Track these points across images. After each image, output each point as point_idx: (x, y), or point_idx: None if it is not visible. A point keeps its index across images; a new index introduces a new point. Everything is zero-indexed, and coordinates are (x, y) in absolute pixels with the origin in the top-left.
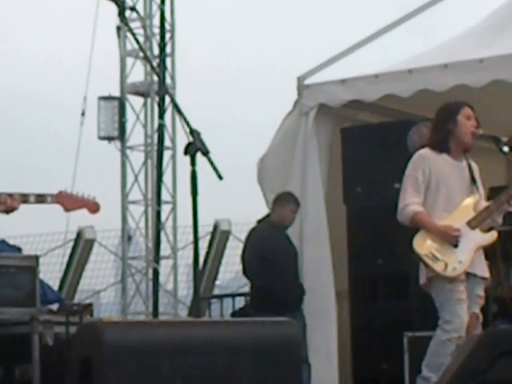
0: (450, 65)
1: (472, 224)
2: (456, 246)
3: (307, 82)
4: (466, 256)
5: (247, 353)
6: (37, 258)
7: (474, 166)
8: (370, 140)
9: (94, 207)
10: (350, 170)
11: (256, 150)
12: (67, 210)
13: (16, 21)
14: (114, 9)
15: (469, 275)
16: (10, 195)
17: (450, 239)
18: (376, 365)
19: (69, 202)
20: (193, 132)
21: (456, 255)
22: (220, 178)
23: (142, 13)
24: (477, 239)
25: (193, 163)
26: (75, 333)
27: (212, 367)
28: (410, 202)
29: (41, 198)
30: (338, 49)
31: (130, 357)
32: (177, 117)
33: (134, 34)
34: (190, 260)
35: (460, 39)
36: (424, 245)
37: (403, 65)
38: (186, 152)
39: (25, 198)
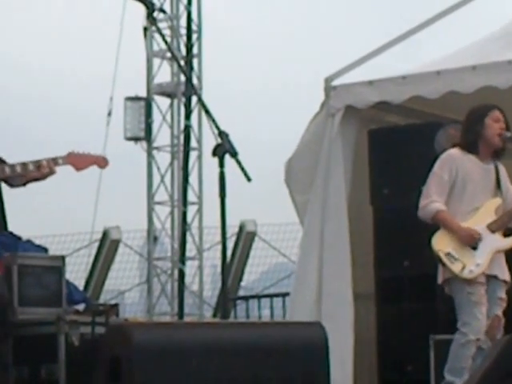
0: (477, 66)
1: (492, 227)
2: (475, 248)
3: (334, 83)
4: (484, 259)
5: (274, 354)
6: (63, 258)
7: (502, 169)
8: (397, 142)
9: (103, 162)
10: (377, 172)
11: (283, 151)
12: (78, 169)
13: (41, 22)
14: (140, 10)
15: (489, 278)
16: (24, 164)
17: (470, 241)
18: (401, 367)
19: (79, 161)
20: (221, 133)
21: (474, 257)
22: (248, 179)
23: (168, 14)
24: (496, 243)
25: (221, 165)
26: (104, 333)
27: (239, 368)
28: (433, 200)
29: (54, 161)
30: (365, 50)
31: (158, 357)
32: (203, 117)
33: (162, 35)
34: (215, 261)
35: (488, 41)
36: (443, 244)
37: (431, 66)
38: (214, 153)
39: (39, 163)
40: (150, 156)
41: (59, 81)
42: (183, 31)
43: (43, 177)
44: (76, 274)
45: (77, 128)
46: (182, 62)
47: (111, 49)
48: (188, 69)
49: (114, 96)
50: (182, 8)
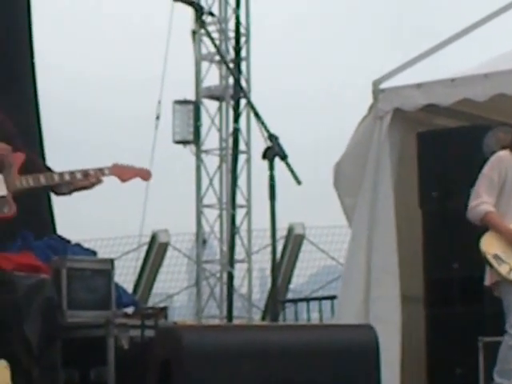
0: None
1: None
2: None
3: (383, 86)
4: None
5: (324, 357)
6: (112, 261)
7: None
8: (445, 144)
9: (146, 175)
10: (426, 175)
11: (332, 154)
12: (123, 180)
13: (88, 27)
14: (188, 13)
15: None
16: (72, 172)
17: None
18: (450, 369)
19: (123, 172)
20: (271, 136)
21: None
22: (298, 182)
23: (217, 17)
24: None
25: (271, 168)
26: (154, 336)
27: (289, 371)
28: (483, 201)
29: (101, 172)
30: (414, 52)
31: (208, 360)
32: (251, 120)
33: (212, 38)
34: (264, 264)
35: None
36: (491, 245)
37: (479, 69)
38: (264, 156)
39: (87, 172)
40: (198, 159)
41: (109, 85)
42: (231, 34)
43: (90, 186)
44: (125, 277)
45: (126, 132)
46: (231, 65)
47: (159, 52)
48: (236, 72)
49: (163, 99)
50: (230, 11)
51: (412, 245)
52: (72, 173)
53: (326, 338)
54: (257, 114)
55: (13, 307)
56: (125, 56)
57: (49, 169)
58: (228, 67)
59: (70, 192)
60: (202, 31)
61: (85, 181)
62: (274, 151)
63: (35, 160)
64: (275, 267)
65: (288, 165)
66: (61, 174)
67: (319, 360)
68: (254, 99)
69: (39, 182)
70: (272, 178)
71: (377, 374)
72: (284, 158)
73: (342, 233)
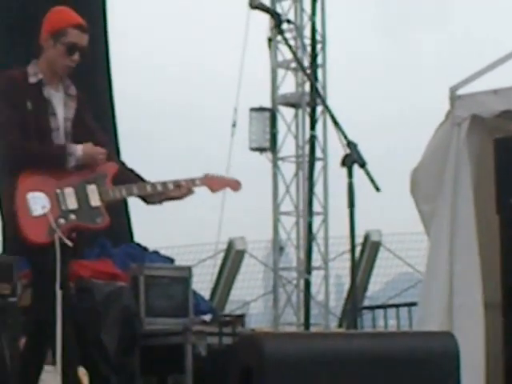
0: None
1: None
2: None
3: (460, 92)
4: None
5: (404, 364)
6: (189, 268)
7: None
8: None
9: (236, 185)
10: (504, 181)
11: (408, 160)
12: (214, 190)
13: (165, 35)
14: (264, 20)
15: None
16: (164, 183)
17: None
18: None
19: (214, 183)
20: (350, 144)
21: None
22: (377, 189)
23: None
24: None
25: (350, 175)
26: (234, 343)
27: (370, 379)
28: None
29: (192, 182)
30: (490, 58)
31: (290, 368)
32: (328, 127)
33: (289, 45)
34: (340, 271)
35: None
36: None
37: None
38: (343, 164)
39: (179, 183)
40: (275, 166)
41: (187, 92)
42: (307, 41)
43: (181, 196)
44: (202, 284)
45: (203, 139)
46: (308, 72)
47: (235, 60)
48: (313, 79)
49: (239, 107)
50: (305, 18)
51: (489, 251)
52: (164, 183)
53: (405, 345)
54: (335, 121)
55: (91, 315)
56: (201, 63)
57: (140, 178)
58: (305, 73)
59: (160, 201)
60: (278, 38)
61: (176, 191)
62: (352, 158)
63: (125, 169)
64: (354, 275)
65: (367, 172)
66: (153, 185)
67: (399, 368)
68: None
69: (132, 192)
70: (351, 186)
71: (457, 382)
72: (363, 165)
73: (418, 239)
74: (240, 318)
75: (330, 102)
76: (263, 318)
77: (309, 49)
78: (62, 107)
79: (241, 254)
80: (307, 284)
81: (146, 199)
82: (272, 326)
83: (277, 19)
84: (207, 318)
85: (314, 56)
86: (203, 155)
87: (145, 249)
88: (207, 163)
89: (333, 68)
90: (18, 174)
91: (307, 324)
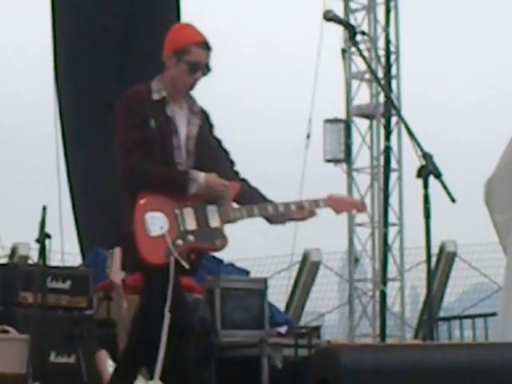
0: None
1: None
2: None
3: None
4: None
5: (483, 377)
6: (265, 280)
7: None
8: None
9: (361, 207)
10: None
11: (482, 170)
12: (337, 212)
13: (242, 41)
14: (338, 32)
15: None
16: (287, 204)
17: None
18: None
19: (339, 204)
20: (425, 155)
21: None
22: (453, 200)
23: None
24: None
25: (425, 186)
26: (311, 355)
27: None
28: None
29: (316, 203)
30: None
31: (366, 380)
32: (403, 138)
33: (364, 57)
34: (416, 282)
35: None
36: None
37: None
38: (418, 175)
39: (301, 205)
40: (349, 177)
41: (261, 103)
42: (381, 52)
43: (304, 218)
44: (277, 296)
45: (277, 151)
46: (382, 83)
47: (309, 72)
48: (387, 90)
49: (313, 118)
50: (379, 29)
51: None
52: (286, 204)
53: (482, 356)
54: (410, 132)
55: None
56: (275, 76)
57: (264, 198)
58: (380, 85)
59: (283, 222)
60: (352, 49)
61: (299, 213)
62: (428, 170)
63: (249, 187)
64: (430, 286)
65: (442, 183)
66: (275, 206)
67: (477, 380)
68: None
69: (253, 213)
70: (427, 197)
71: None
72: (438, 176)
73: (494, 250)
74: (315, 330)
75: (404, 113)
76: (338, 329)
77: (383, 60)
78: (184, 125)
79: (316, 266)
80: (383, 295)
81: (269, 219)
82: (347, 338)
83: (351, 31)
84: (283, 329)
85: (388, 67)
86: (278, 166)
87: (220, 261)
88: (282, 174)
89: (407, 78)
90: (137, 194)
91: (383, 335)
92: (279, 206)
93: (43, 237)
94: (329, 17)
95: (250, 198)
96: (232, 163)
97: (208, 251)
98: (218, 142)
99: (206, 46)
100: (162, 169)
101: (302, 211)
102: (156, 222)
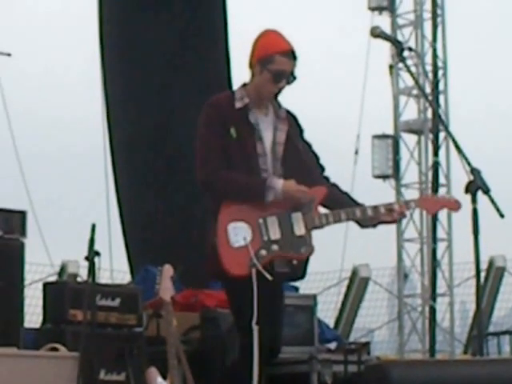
0: None
1: None
2: None
3: None
4: None
5: None
6: (314, 296)
7: None
8: None
9: (455, 205)
10: None
11: None
12: (431, 213)
13: None
14: (385, 47)
15: None
16: (376, 207)
17: None
18: None
19: (431, 204)
20: (473, 170)
21: None
22: (501, 215)
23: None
24: None
25: (473, 201)
26: (362, 371)
27: None
28: None
29: (406, 205)
30: None
31: None
32: (451, 154)
33: (411, 73)
34: (466, 297)
35: None
36: None
37: None
38: (466, 190)
39: (391, 207)
40: (398, 193)
41: (308, 118)
42: (429, 68)
43: (394, 221)
44: (326, 312)
45: (326, 167)
46: (430, 98)
47: (357, 88)
48: (435, 106)
49: (361, 134)
50: (426, 45)
51: None
52: (375, 208)
53: None
54: (458, 147)
55: (217, 343)
56: (323, 91)
57: (351, 199)
58: (427, 100)
59: (374, 226)
60: (399, 65)
61: (388, 216)
62: (476, 185)
63: (338, 191)
64: (479, 301)
65: (491, 198)
66: (363, 210)
67: None
68: (453, 131)
69: (340, 219)
70: (475, 212)
71: None
72: (487, 191)
73: None
74: (365, 346)
75: (452, 128)
76: (388, 345)
77: (430, 75)
78: (270, 131)
79: (365, 282)
80: (432, 311)
81: (360, 223)
82: (397, 354)
83: (398, 47)
84: (332, 346)
85: (435, 82)
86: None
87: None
88: None
89: (455, 93)
90: (219, 204)
91: (432, 351)
92: (368, 209)
93: (92, 255)
94: (376, 33)
95: (340, 203)
96: (322, 168)
97: (294, 259)
98: (308, 145)
99: (291, 55)
100: (238, 176)
101: (391, 213)
102: (239, 233)
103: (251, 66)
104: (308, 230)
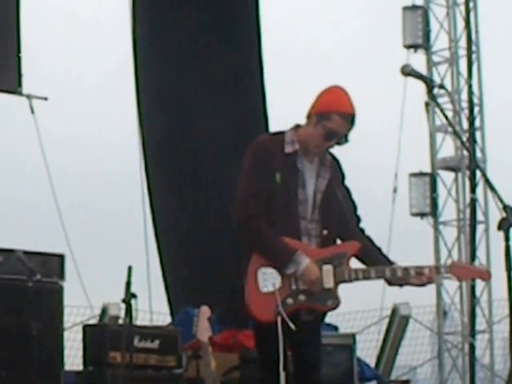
0: None
1: None
2: None
3: None
4: None
5: None
6: (353, 336)
7: None
8: None
9: (486, 275)
10: None
11: None
12: (460, 280)
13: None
14: (421, 85)
15: None
16: (406, 269)
17: None
18: None
19: (462, 272)
20: (505, 207)
21: None
22: None
23: (449, 87)
24: None
25: (506, 239)
26: None
27: None
28: None
29: (437, 270)
30: None
31: None
32: (488, 190)
33: (442, 110)
34: (506, 334)
35: None
36: None
37: None
38: (499, 227)
39: (421, 270)
40: (436, 231)
41: (344, 154)
42: (465, 104)
43: (423, 284)
44: (367, 351)
45: (365, 205)
46: (465, 136)
47: (394, 126)
48: (471, 142)
49: (399, 172)
50: (462, 82)
51: None
52: (405, 269)
53: None
54: (489, 184)
55: None
56: (359, 129)
57: (387, 259)
58: (460, 139)
59: (401, 285)
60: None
61: (417, 279)
62: (509, 222)
63: (372, 245)
64: None
65: None
66: (393, 270)
67: None
68: (491, 168)
69: (369, 276)
70: (508, 250)
71: None
72: None
73: None
74: None
75: (489, 165)
76: (430, 382)
77: (466, 112)
78: (313, 179)
79: (405, 320)
80: (472, 348)
81: (387, 280)
82: None
83: (429, 85)
84: None
85: (471, 119)
86: (365, 221)
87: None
88: (370, 229)
89: (492, 130)
90: (252, 247)
91: None
92: (398, 270)
93: (129, 297)
94: (407, 71)
95: (371, 258)
96: (358, 219)
97: (319, 312)
98: (348, 192)
99: (349, 119)
100: (272, 236)
101: (420, 277)
102: (268, 278)
103: (309, 115)
104: (336, 283)
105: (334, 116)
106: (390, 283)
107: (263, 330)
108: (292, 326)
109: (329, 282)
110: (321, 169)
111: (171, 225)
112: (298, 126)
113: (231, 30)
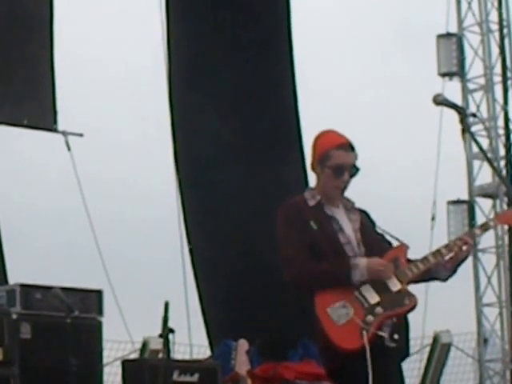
0: None
1: None
2: None
3: None
4: None
5: None
6: (399, 365)
7: None
8: None
9: None
10: None
11: None
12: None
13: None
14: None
15: None
16: (447, 245)
17: None
18: None
19: (508, 216)
20: None
21: None
22: None
23: (485, 114)
24: None
25: None
26: None
27: None
28: None
29: (483, 226)
30: None
31: None
32: None
33: (475, 140)
34: None
35: None
36: None
37: None
38: None
39: (464, 240)
40: (475, 258)
41: (380, 184)
42: (501, 131)
43: (468, 251)
44: (409, 379)
45: (403, 234)
46: (503, 162)
47: (432, 154)
48: (508, 169)
49: (437, 200)
50: (498, 108)
51: None
52: (446, 246)
53: None
54: None
55: None
56: (396, 159)
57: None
58: (492, 166)
59: (455, 270)
60: (472, 129)
61: (464, 246)
62: None
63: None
64: None
65: None
66: (440, 252)
67: None
68: None
69: (428, 262)
70: None
71: None
72: None
73: None
74: None
75: None
76: None
77: (503, 138)
78: (346, 221)
79: (447, 348)
80: None
81: (441, 276)
82: None
83: (462, 113)
84: None
85: (508, 145)
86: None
87: None
88: (409, 257)
89: None
90: (313, 293)
91: None
92: (442, 249)
93: (167, 332)
94: (438, 101)
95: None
96: None
97: (402, 314)
98: (382, 236)
99: (348, 147)
100: (322, 264)
101: (465, 245)
102: (340, 312)
103: (314, 168)
104: (403, 283)
105: (331, 152)
106: (444, 279)
107: (354, 358)
108: (384, 334)
109: (395, 285)
110: (348, 212)
111: (209, 259)
112: (312, 189)
113: (267, 45)
